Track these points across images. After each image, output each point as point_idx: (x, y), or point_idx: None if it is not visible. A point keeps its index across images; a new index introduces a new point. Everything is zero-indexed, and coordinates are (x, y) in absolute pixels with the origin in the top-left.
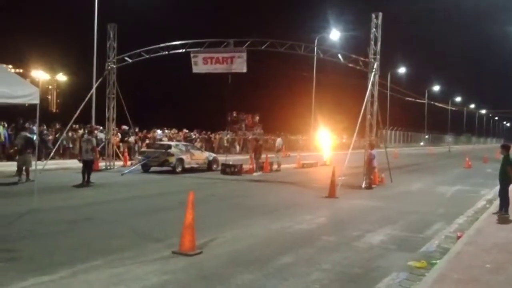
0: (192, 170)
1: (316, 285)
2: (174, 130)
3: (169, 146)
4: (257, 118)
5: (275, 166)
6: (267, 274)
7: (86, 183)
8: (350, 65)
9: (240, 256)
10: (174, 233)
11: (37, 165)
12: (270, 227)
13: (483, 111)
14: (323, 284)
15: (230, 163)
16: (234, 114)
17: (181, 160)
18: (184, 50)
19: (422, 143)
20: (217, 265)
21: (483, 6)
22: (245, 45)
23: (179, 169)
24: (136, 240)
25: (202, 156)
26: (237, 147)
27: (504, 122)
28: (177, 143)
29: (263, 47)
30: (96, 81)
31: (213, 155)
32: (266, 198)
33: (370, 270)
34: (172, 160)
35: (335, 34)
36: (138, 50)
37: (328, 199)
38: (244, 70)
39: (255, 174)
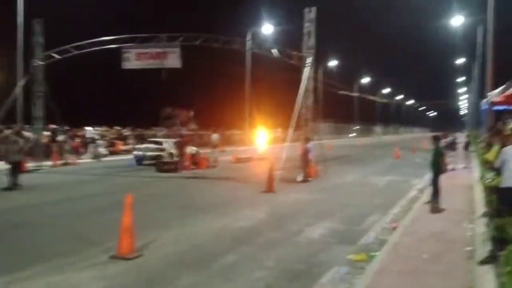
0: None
1: (261, 283)
2: (104, 127)
3: (161, 143)
4: (192, 113)
5: (211, 162)
6: (211, 275)
7: (13, 185)
8: (285, 59)
9: (182, 256)
10: (112, 236)
11: None
12: (211, 225)
13: (410, 102)
14: (268, 283)
15: (166, 160)
16: (168, 111)
17: (171, 154)
18: (115, 45)
19: (353, 134)
20: (159, 268)
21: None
22: (178, 40)
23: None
24: (72, 245)
25: (188, 150)
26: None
27: (429, 112)
28: (167, 139)
29: (197, 42)
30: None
31: (195, 149)
32: (205, 195)
33: (313, 265)
34: (164, 154)
35: (267, 28)
36: (66, 46)
37: (266, 194)
38: (179, 65)
39: (180, 172)
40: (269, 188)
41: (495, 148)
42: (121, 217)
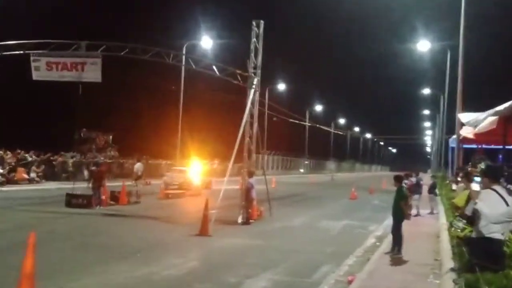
0: None
1: None
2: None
3: (185, 171)
4: (110, 137)
5: (133, 198)
6: None
7: None
8: (227, 79)
9: None
10: (7, 283)
11: None
12: (131, 274)
13: (368, 136)
14: None
15: (78, 192)
16: (82, 134)
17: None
18: (22, 51)
19: (302, 170)
20: None
21: (374, 29)
22: (100, 50)
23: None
24: None
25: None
26: (85, 173)
27: (390, 148)
28: (191, 168)
29: (122, 53)
30: None
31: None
32: (125, 237)
33: None
34: (187, 181)
35: (207, 42)
36: None
37: (199, 238)
38: (98, 79)
39: (96, 208)
40: (203, 230)
41: (465, 192)
42: (20, 261)
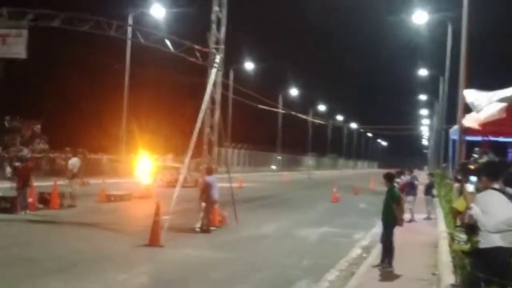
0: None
1: None
2: None
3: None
4: (39, 126)
5: (67, 200)
6: None
7: None
8: (183, 56)
9: None
10: None
11: None
12: None
13: (353, 125)
14: None
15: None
16: (6, 122)
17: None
18: None
19: (274, 167)
20: None
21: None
22: (26, 19)
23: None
24: None
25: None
26: (8, 170)
27: (379, 141)
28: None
29: (53, 24)
30: None
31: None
32: (58, 248)
33: None
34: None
35: (158, 11)
36: None
37: (149, 249)
38: (23, 55)
39: (22, 213)
40: (153, 240)
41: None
42: None
